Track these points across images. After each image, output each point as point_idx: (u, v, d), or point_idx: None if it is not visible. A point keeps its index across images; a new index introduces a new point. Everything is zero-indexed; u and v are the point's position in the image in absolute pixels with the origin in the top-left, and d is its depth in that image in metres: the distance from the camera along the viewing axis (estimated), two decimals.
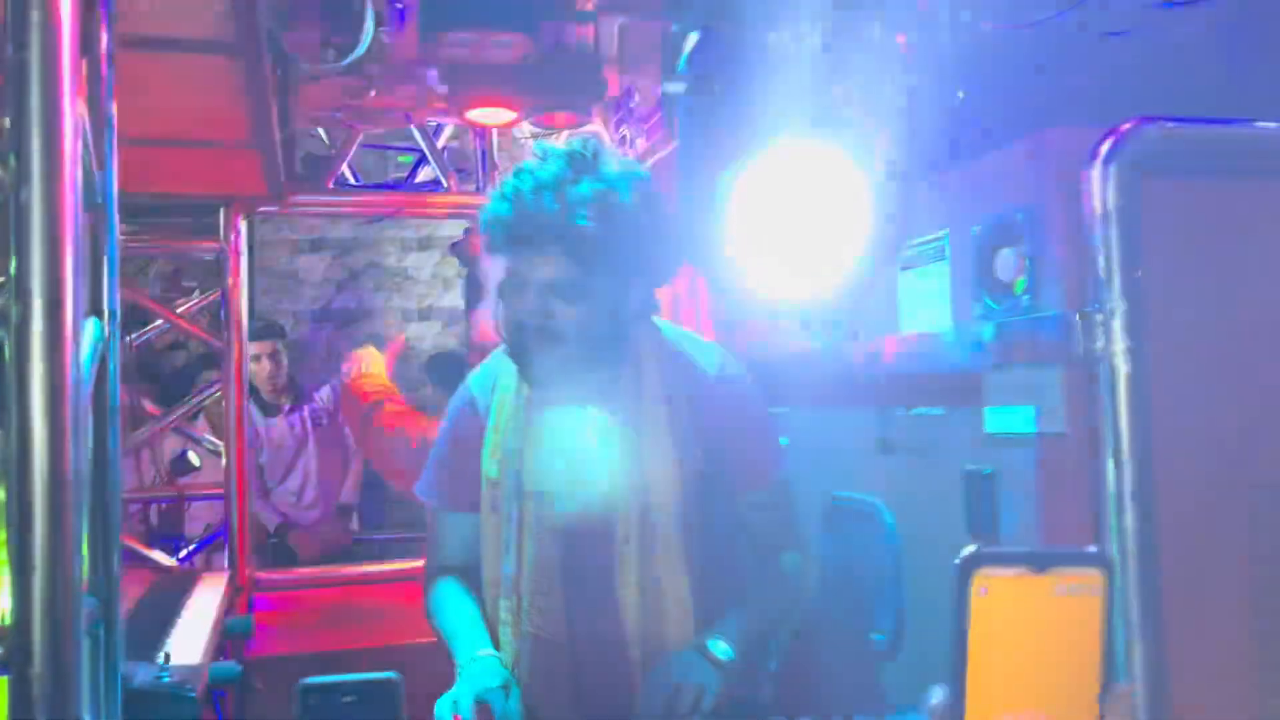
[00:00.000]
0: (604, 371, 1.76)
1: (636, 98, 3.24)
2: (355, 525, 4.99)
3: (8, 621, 0.97)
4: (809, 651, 2.00)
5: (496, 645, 1.78)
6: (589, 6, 2.77)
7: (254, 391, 4.66)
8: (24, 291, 0.99)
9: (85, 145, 1.17)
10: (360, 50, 2.23)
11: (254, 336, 4.68)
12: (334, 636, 3.35)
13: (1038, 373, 1.46)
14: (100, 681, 1.16)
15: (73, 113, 1.03)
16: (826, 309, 1.52)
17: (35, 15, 1.01)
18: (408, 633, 3.15)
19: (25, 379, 0.99)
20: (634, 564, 1.73)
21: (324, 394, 4.84)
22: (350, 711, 1.14)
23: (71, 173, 1.02)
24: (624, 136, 3.28)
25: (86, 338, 1.13)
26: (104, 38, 1.29)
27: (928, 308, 1.75)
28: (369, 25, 2.08)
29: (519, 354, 1.73)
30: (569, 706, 1.79)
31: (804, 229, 1.24)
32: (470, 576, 1.87)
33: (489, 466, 1.82)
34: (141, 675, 1.69)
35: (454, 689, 1.67)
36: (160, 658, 1.81)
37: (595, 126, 3.39)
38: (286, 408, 4.72)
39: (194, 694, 1.66)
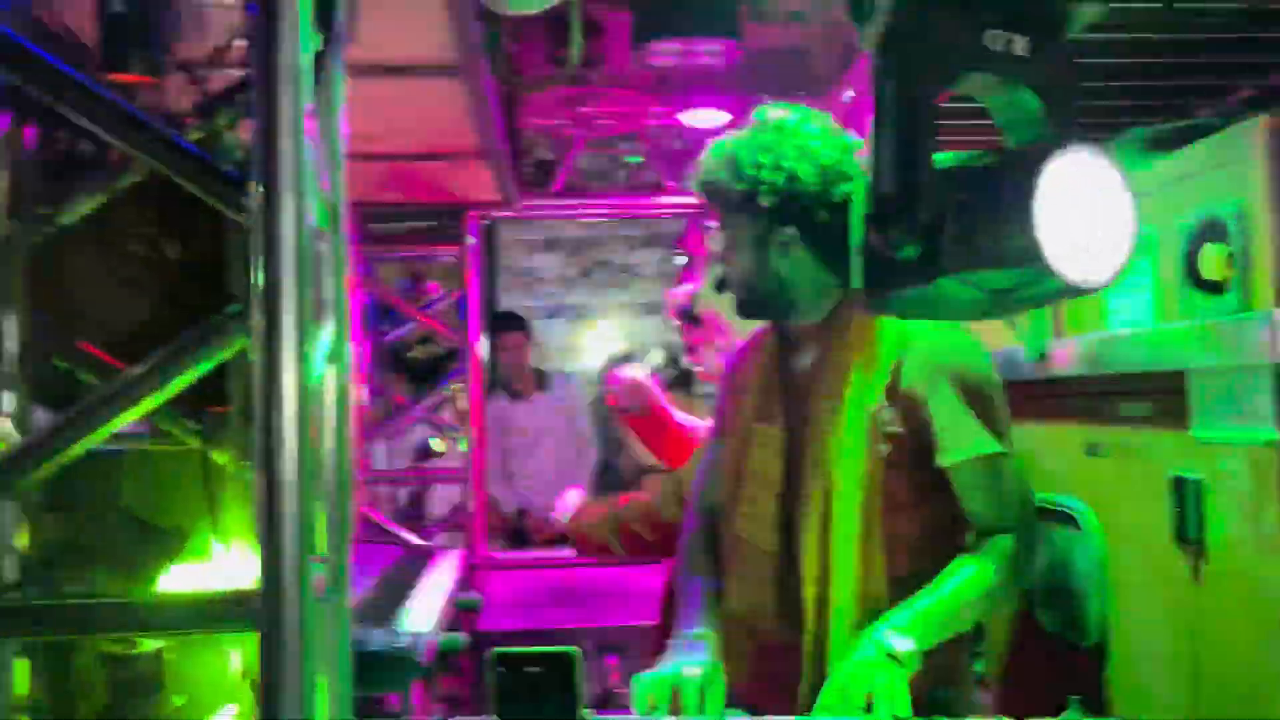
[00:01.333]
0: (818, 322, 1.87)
1: (850, 93, 3.24)
2: None
3: (257, 587, 1.13)
4: (1014, 655, 1.96)
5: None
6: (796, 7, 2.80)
7: (503, 381, 4.99)
8: (270, 303, 1.15)
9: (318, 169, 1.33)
10: (573, 62, 2.36)
11: (501, 329, 5.02)
12: (559, 615, 3.55)
13: (1246, 375, 1.38)
14: (334, 643, 1.32)
15: (310, 142, 1.18)
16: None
17: (278, 57, 1.17)
18: (629, 615, 3.31)
19: (273, 380, 1.15)
20: (815, 526, 1.77)
21: (566, 386, 5.10)
22: (534, 680, 1.25)
23: (307, 201, 1.18)
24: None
25: (322, 343, 1.30)
26: (337, 68, 1.45)
27: (1131, 305, 1.68)
28: (576, 38, 2.20)
29: (741, 308, 1.90)
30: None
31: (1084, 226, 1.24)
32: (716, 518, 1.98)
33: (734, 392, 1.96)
34: (377, 640, 1.89)
35: (657, 668, 1.74)
36: (393, 626, 2.01)
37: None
38: (531, 396, 5.01)
39: (419, 658, 1.84)
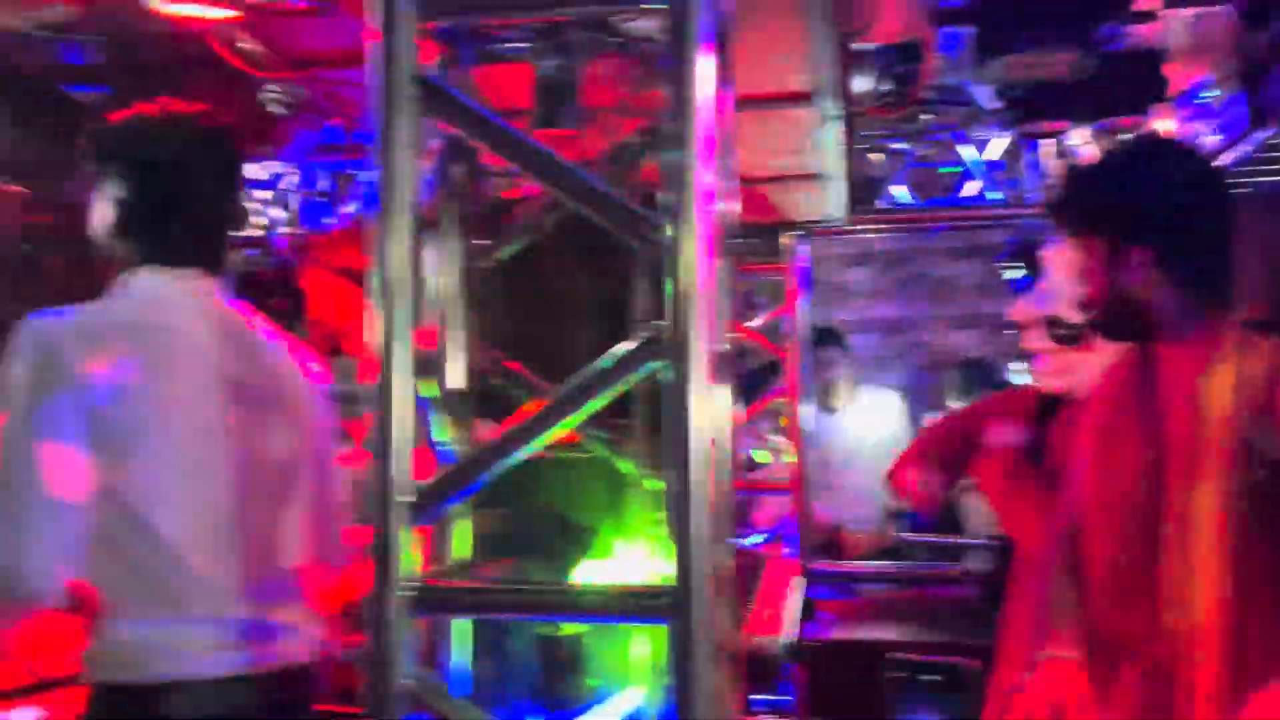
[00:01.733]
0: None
1: (1211, 92, 3.05)
2: (905, 528, 5.18)
3: (666, 581, 1.27)
4: None
5: None
6: (1147, 6, 2.69)
7: (818, 394, 5.06)
8: (679, 327, 1.29)
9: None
10: (910, 86, 2.40)
11: (817, 343, 5.10)
12: (879, 626, 3.56)
13: None
14: (732, 636, 1.44)
15: (713, 177, 1.32)
16: None
17: (688, 93, 1.31)
18: (950, 634, 3.27)
19: (683, 395, 1.29)
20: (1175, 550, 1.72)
21: (885, 400, 5.09)
22: (929, 687, 1.30)
23: (713, 237, 1.31)
24: (1194, 133, 3.12)
25: (720, 361, 1.43)
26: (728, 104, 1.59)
27: None
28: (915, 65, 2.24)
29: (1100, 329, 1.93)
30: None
31: None
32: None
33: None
34: (744, 641, 2.01)
35: (1029, 689, 1.76)
36: (742, 628, 2.12)
37: (1163, 123, 3.25)
38: (846, 410, 5.04)
39: (779, 662, 1.94)
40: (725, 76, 1.71)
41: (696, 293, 1.30)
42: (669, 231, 1.30)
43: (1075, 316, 2.32)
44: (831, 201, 3.33)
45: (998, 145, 3.59)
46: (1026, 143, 3.51)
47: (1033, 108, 3.00)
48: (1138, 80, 2.98)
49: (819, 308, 6.24)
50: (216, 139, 1.77)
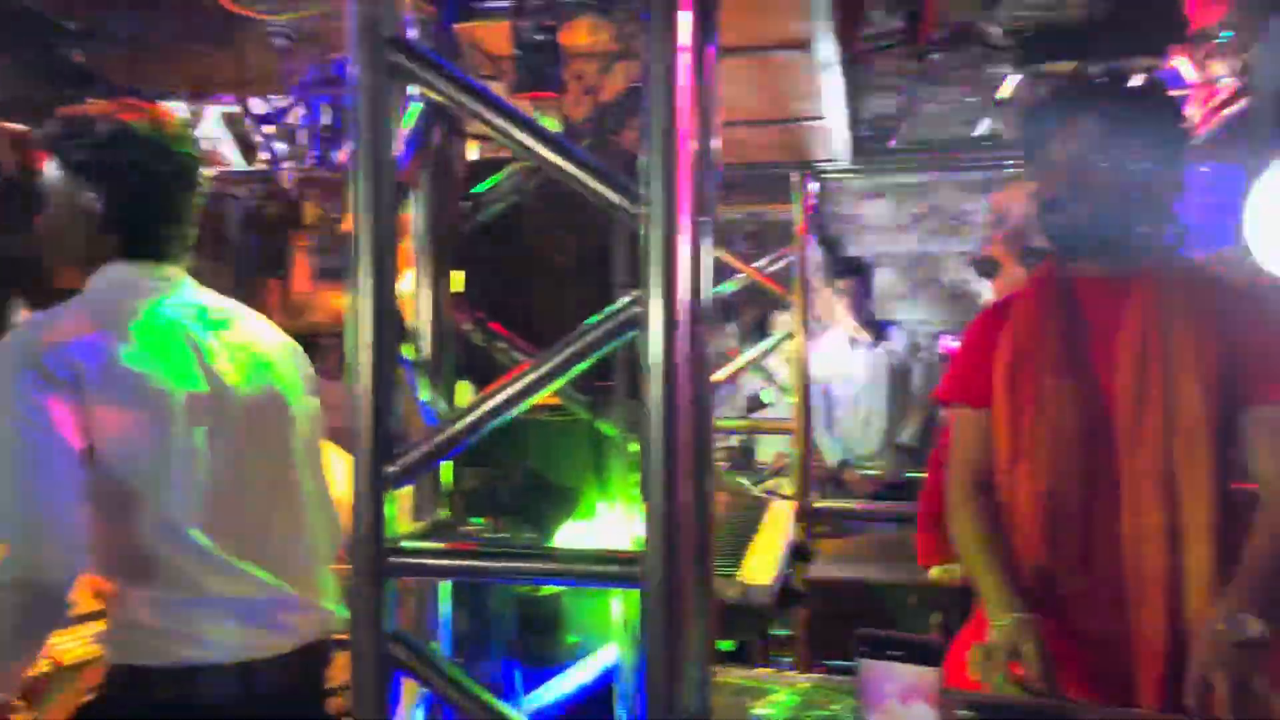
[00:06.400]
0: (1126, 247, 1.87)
1: (1229, 33, 2.97)
2: (912, 466, 5.21)
3: (639, 547, 1.29)
4: None
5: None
6: None
7: (840, 326, 5.04)
8: (652, 295, 1.29)
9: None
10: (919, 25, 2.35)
11: (838, 274, 5.06)
12: (883, 569, 3.60)
13: None
14: (698, 599, 1.46)
15: (691, 158, 1.30)
16: None
17: (657, 69, 1.29)
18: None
19: (655, 363, 1.29)
20: (1146, 450, 1.76)
21: (899, 336, 5.06)
22: (897, 661, 1.33)
23: (689, 204, 1.30)
24: (1211, 76, 3.04)
25: (690, 324, 1.43)
26: (710, 74, 1.56)
27: None
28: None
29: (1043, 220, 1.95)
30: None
31: None
32: (990, 491, 1.98)
33: (1006, 350, 1.95)
34: (729, 591, 2.04)
35: (987, 643, 1.78)
36: (739, 578, 2.16)
37: (1179, 63, 3.17)
38: (866, 343, 5.02)
39: (767, 611, 1.97)
40: (712, 30, 1.69)
41: (672, 261, 1.30)
42: (647, 199, 1.29)
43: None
44: (838, 143, 3.29)
45: (1009, 84, 3.51)
46: (1037, 81, 3.43)
47: (1044, 47, 2.93)
48: (1154, 19, 2.90)
49: (836, 241, 6.23)
50: (179, 138, 1.80)
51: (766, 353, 4.07)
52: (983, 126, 3.71)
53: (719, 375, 4.05)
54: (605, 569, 1.31)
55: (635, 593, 1.29)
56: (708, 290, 1.61)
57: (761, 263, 4.04)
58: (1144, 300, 1.82)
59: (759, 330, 5.28)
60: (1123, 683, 1.75)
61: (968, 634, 1.97)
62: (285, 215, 3.67)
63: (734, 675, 1.69)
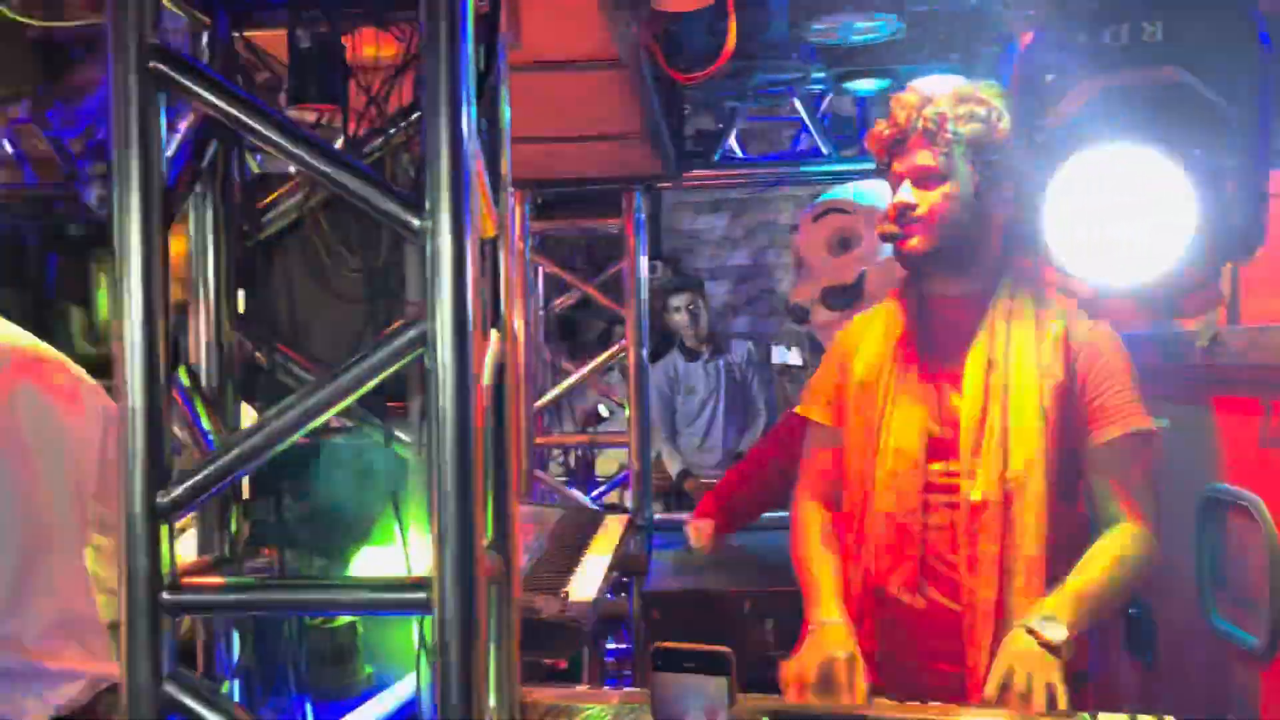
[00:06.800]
0: (979, 267, 1.86)
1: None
2: None
3: (430, 574, 1.25)
4: (1180, 647, 1.92)
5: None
6: None
7: (678, 340, 5.10)
8: (437, 314, 1.26)
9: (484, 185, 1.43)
10: (724, 52, 2.39)
11: (674, 289, 5.12)
12: (721, 578, 3.64)
13: None
14: (502, 621, 1.44)
15: (474, 173, 1.28)
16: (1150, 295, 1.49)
17: (442, 90, 1.26)
18: (789, 580, 3.36)
19: (440, 383, 1.26)
20: (985, 474, 1.78)
21: (740, 351, 5.16)
22: (691, 673, 1.33)
23: (473, 220, 1.27)
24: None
25: (487, 347, 1.40)
26: (502, 79, 1.54)
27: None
28: (732, 27, 2.23)
29: (893, 242, 1.92)
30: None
31: (1123, 224, 1.24)
32: (833, 504, 2.01)
33: (858, 368, 1.96)
34: (547, 609, 2.02)
35: (801, 654, 1.81)
36: (561, 594, 2.13)
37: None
38: (705, 356, 5.10)
39: (585, 625, 1.95)
40: (509, 42, 1.67)
41: (456, 280, 1.27)
42: (427, 217, 1.26)
43: (848, 279, 2.40)
44: (663, 158, 3.33)
45: (826, 100, 3.63)
46: (856, 99, 3.55)
47: (854, 64, 3.02)
48: (957, 40, 3.03)
49: (674, 255, 6.31)
50: None
51: (601, 367, 4.07)
52: (803, 141, 3.81)
53: (555, 391, 4.03)
54: (392, 597, 1.26)
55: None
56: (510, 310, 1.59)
57: (602, 277, 4.05)
58: (992, 326, 1.83)
59: (602, 345, 5.29)
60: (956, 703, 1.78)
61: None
62: (89, 235, 3.45)
63: (547, 695, 1.66)
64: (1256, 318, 1.83)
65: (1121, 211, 1.22)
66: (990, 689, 1.65)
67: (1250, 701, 1.73)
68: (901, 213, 1.87)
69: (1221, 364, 1.86)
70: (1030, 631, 1.66)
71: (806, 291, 2.73)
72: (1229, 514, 1.90)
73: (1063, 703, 1.59)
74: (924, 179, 1.84)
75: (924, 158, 1.83)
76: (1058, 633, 1.64)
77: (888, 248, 1.94)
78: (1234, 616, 1.88)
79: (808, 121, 3.69)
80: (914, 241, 1.87)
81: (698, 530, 3.20)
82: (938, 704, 1.65)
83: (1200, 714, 1.74)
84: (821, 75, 3.25)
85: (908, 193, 1.85)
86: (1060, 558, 1.77)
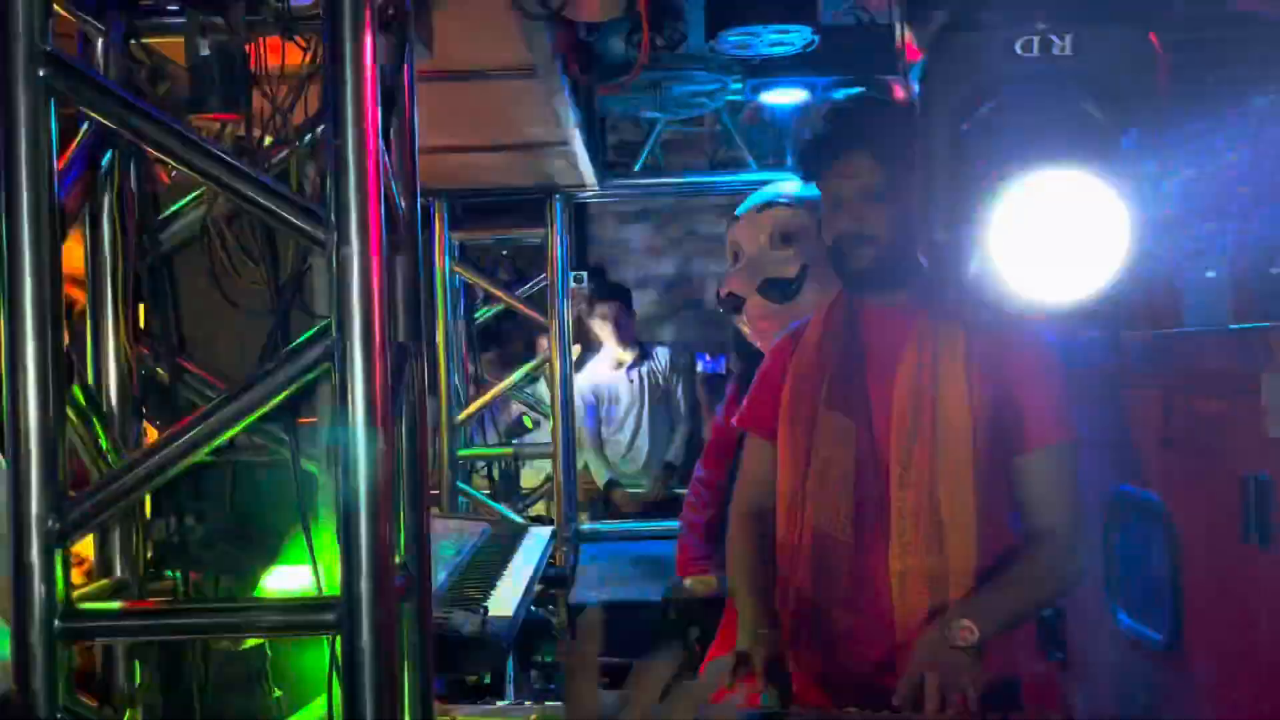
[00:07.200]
0: (912, 282, 1.85)
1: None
2: (676, 482, 5.31)
3: (338, 592, 1.22)
4: (1088, 646, 1.96)
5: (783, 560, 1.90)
6: None
7: (603, 349, 5.08)
8: (344, 327, 1.23)
9: (394, 197, 1.41)
10: (645, 57, 2.40)
11: (600, 297, 5.10)
12: (648, 586, 3.64)
13: None
14: (415, 640, 1.41)
15: (381, 182, 1.25)
16: (1085, 310, 1.51)
17: (345, 90, 1.24)
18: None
19: (348, 397, 1.24)
20: (915, 488, 1.77)
21: (661, 356, 5.16)
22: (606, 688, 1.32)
23: (378, 231, 1.25)
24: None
25: (396, 360, 1.38)
26: (410, 87, 1.52)
27: (1211, 301, 1.65)
28: (645, 39, 2.24)
29: (837, 262, 1.90)
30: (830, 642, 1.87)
31: (1060, 245, 1.27)
32: (768, 518, 1.98)
33: (792, 381, 1.95)
34: (465, 625, 1.99)
35: (726, 655, 1.80)
36: (481, 610, 2.11)
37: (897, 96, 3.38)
38: (629, 364, 5.09)
39: (504, 641, 1.93)
40: (421, 51, 1.65)
41: (364, 292, 1.24)
42: (333, 228, 1.24)
43: (790, 274, 2.39)
44: (584, 168, 3.32)
45: (746, 110, 3.66)
46: (769, 108, 3.59)
47: (770, 75, 3.06)
48: (871, 53, 3.07)
49: (599, 264, 6.31)
50: None
51: (525, 377, 4.05)
52: (725, 151, 3.84)
53: (477, 403, 3.99)
54: (302, 618, 1.24)
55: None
56: (418, 322, 1.57)
57: (525, 288, 4.03)
58: (922, 337, 1.82)
59: (526, 356, 5.26)
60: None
61: (716, 648, 1.99)
62: None
63: (463, 712, 1.64)
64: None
65: (1062, 230, 1.26)
66: (901, 692, 1.66)
67: (1155, 697, 1.78)
68: (852, 233, 1.85)
69: (1125, 368, 1.91)
70: (943, 636, 1.67)
71: (742, 283, 2.73)
72: (1133, 514, 1.95)
73: (973, 705, 1.60)
74: (869, 195, 1.83)
75: (870, 175, 1.83)
76: (969, 637, 1.65)
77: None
78: (1139, 614, 1.93)
79: (729, 131, 3.72)
80: (861, 258, 1.85)
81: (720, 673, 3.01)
82: (855, 709, 1.66)
83: (1109, 711, 1.78)
84: (739, 86, 3.27)
85: (857, 212, 1.84)
86: (991, 570, 1.77)
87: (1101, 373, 2.01)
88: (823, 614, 1.87)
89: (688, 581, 3.13)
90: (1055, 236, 1.29)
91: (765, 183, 3.68)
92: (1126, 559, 1.97)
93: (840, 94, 3.18)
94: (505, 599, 2.33)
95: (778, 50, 2.59)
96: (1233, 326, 1.58)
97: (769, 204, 3.02)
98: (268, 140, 1.40)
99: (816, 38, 2.65)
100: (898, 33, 3.06)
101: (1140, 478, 1.94)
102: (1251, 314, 1.56)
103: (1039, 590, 1.79)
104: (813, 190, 2.84)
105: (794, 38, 2.54)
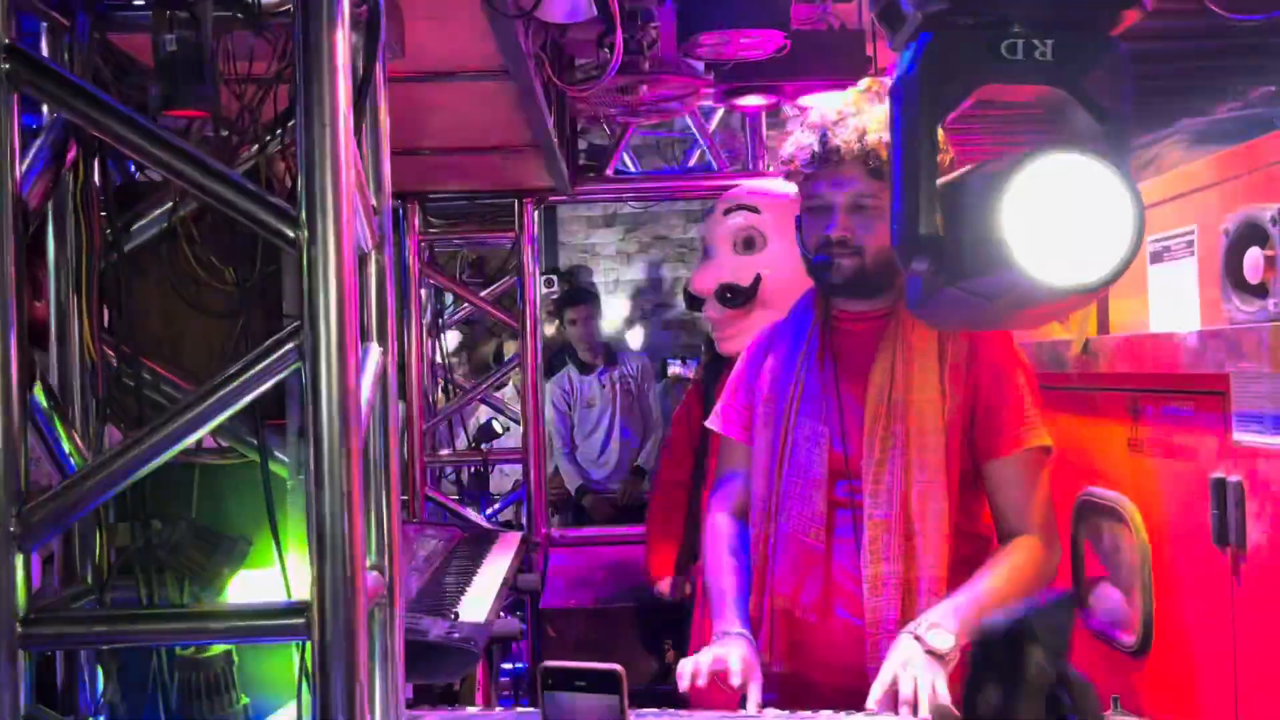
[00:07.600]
0: (888, 289, 1.85)
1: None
2: (647, 487, 5.30)
3: (307, 596, 1.20)
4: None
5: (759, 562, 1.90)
6: None
7: (572, 352, 5.08)
8: (314, 327, 1.21)
9: (363, 198, 1.39)
10: (615, 59, 2.39)
11: (570, 302, 5.10)
12: (618, 592, 3.62)
13: None
14: (386, 645, 1.39)
15: (351, 183, 1.24)
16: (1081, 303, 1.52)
17: (318, 97, 1.22)
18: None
19: (318, 398, 1.22)
20: (887, 494, 1.77)
21: (634, 363, 5.16)
22: (582, 692, 1.31)
23: (350, 230, 1.23)
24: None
25: (368, 360, 1.36)
26: (380, 87, 1.50)
27: (1178, 304, 1.67)
28: (618, 42, 2.23)
29: (818, 272, 1.87)
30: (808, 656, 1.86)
31: (1069, 229, 1.27)
32: (742, 519, 1.98)
33: (765, 384, 1.94)
34: (435, 631, 1.97)
35: (700, 654, 1.79)
36: (451, 616, 2.08)
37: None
38: (599, 369, 5.08)
39: (474, 647, 1.91)
40: (392, 51, 1.64)
41: (335, 292, 1.23)
42: (303, 227, 1.22)
43: (745, 281, 2.38)
44: (555, 171, 3.30)
45: (716, 115, 3.66)
46: (746, 113, 3.59)
47: (741, 80, 3.05)
48: (841, 58, 3.08)
49: (570, 270, 6.29)
50: None
51: (493, 381, 4.02)
52: (695, 156, 3.84)
53: (447, 407, 3.97)
54: (269, 623, 1.21)
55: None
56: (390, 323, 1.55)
57: (493, 291, 4.00)
58: (895, 343, 1.82)
59: (498, 360, 5.24)
60: None
61: (689, 651, 1.98)
62: None
63: (433, 718, 1.62)
64: (1120, 324, 1.90)
65: (1074, 215, 1.26)
66: (875, 693, 1.66)
67: (1127, 700, 1.79)
68: (836, 242, 1.84)
69: (1093, 371, 1.92)
70: (916, 638, 1.67)
71: (706, 283, 2.74)
72: (1102, 517, 1.96)
73: (945, 708, 1.60)
74: (858, 206, 1.83)
75: (861, 184, 1.82)
76: (943, 640, 1.65)
77: (789, 253, 1.92)
78: (1109, 616, 1.94)
79: (699, 136, 3.72)
80: (844, 269, 1.84)
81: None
82: (828, 712, 1.65)
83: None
84: (710, 91, 3.27)
85: (842, 224, 1.83)
86: (962, 576, 1.77)
87: (1064, 375, 2.02)
88: (796, 617, 1.87)
89: (663, 586, 3.13)
90: (1067, 219, 1.28)
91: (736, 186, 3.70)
92: (1095, 562, 1.98)
93: (811, 99, 3.18)
94: (476, 605, 2.31)
95: (749, 55, 2.59)
96: (1200, 329, 1.60)
97: (736, 208, 3.03)
98: (236, 138, 1.38)
99: (787, 42, 2.65)
100: (869, 38, 3.10)
101: (1106, 481, 1.95)
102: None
103: (1012, 596, 1.78)
104: (783, 194, 2.84)
105: (766, 42, 2.54)
